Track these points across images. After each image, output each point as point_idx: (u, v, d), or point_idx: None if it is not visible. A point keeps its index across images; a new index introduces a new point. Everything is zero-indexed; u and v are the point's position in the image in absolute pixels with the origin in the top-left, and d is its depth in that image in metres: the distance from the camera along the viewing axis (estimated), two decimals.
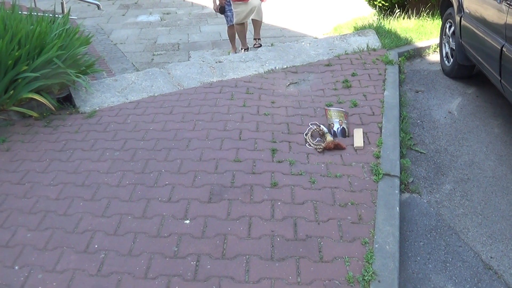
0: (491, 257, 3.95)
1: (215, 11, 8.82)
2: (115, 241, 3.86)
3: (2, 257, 3.77)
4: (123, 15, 12.54)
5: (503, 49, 4.96)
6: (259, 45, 8.88)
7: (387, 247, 3.69)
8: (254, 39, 9.05)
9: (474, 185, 4.82)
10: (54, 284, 3.48)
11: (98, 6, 9.42)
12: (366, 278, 3.41)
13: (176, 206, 4.24)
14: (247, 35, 9.05)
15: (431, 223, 4.36)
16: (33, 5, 7.09)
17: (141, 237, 3.88)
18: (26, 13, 6.83)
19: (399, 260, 3.66)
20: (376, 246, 3.70)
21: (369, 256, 3.57)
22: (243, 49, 8.88)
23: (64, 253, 3.76)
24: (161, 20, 12.02)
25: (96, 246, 3.82)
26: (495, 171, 5.02)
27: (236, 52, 8.90)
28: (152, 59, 9.09)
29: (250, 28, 9.34)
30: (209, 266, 3.56)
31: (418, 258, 3.96)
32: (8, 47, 5.57)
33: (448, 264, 3.90)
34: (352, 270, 3.48)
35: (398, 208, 4.14)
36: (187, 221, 4.03)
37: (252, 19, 8.76)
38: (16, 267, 3.66)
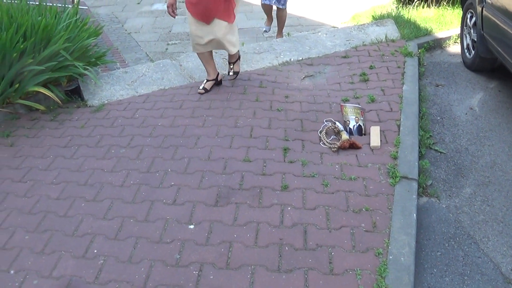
0: None
1: None
2: (115, 246, 3.70)
3: None
4: (138, 3, 12.35)
5: None
6: (234, 75, 6.34)
7: (402, 258, 3.47)
8: (228, 62, 6.33)
9: (495, 189, 4.58)
10: None
11: None
12: None
13: (181, 209, 4.06)
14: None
15: (449, 230, 4.12)
16: None
17: (142, 243, 3.71)
18: (37, 3, 6.66)
19: (414, 273, 3.44)
20: (391, 257, 3.48)
21: (382, 269, 3.36)
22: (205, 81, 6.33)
23: (61, 258, 3.61)
24: (177, 8, 11.83)
25: (95, 251, 3.66)
26: None
27: (269, 25, 8.45)
28: (166, 49, 8.91)
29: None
30: (212, 277, 3.37)
31: (435, 270, 3.73)
32: (12, 40, 5.41)
33: (466, 277, 3.66)
34: (364, 284, 3.27)
35: (415, 215, 3.91)
36: (192, 226, 3.85)
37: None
38: (12, 271, 3.53)
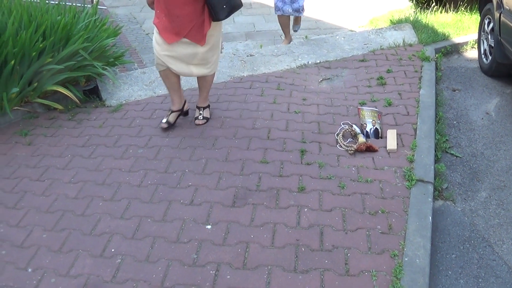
0: None
1: None
2: (132, 245, 3.72)
3: (16, 258, 3.66)
4: None
5: None
6: (204, 119, 5.47)
7: (417, 260, 3.47)
8: (196, 107, 5.60)
9: (510, 193, 4.57)
10: None
11: None
12: None
13: (198, 209, 4.07)
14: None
15: (464, 233, 4.12)
16: None
17: (159, 242, 3.73)
18: (56, 2, 6.71)
19: (429, 274, 3.45)
20: (406, 259, 3.48)
21: (397, 271, 3.36)
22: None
23: (79, 257, 3.63)
24: None
25: (112, 250, 3.68)
26: None
27: (289, 43, 8.13)
28: None
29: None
30: (228, 277, 3.39)
31: (449, 273, 3.73)
32: (32, 39, 5.45)
33: (480, 280, 3.66)
34: (379, 285, 3.27)
35: (430, 217, 3.92)
36: (209, 226, 3.87)
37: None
38: (29, 270, 3.55)
